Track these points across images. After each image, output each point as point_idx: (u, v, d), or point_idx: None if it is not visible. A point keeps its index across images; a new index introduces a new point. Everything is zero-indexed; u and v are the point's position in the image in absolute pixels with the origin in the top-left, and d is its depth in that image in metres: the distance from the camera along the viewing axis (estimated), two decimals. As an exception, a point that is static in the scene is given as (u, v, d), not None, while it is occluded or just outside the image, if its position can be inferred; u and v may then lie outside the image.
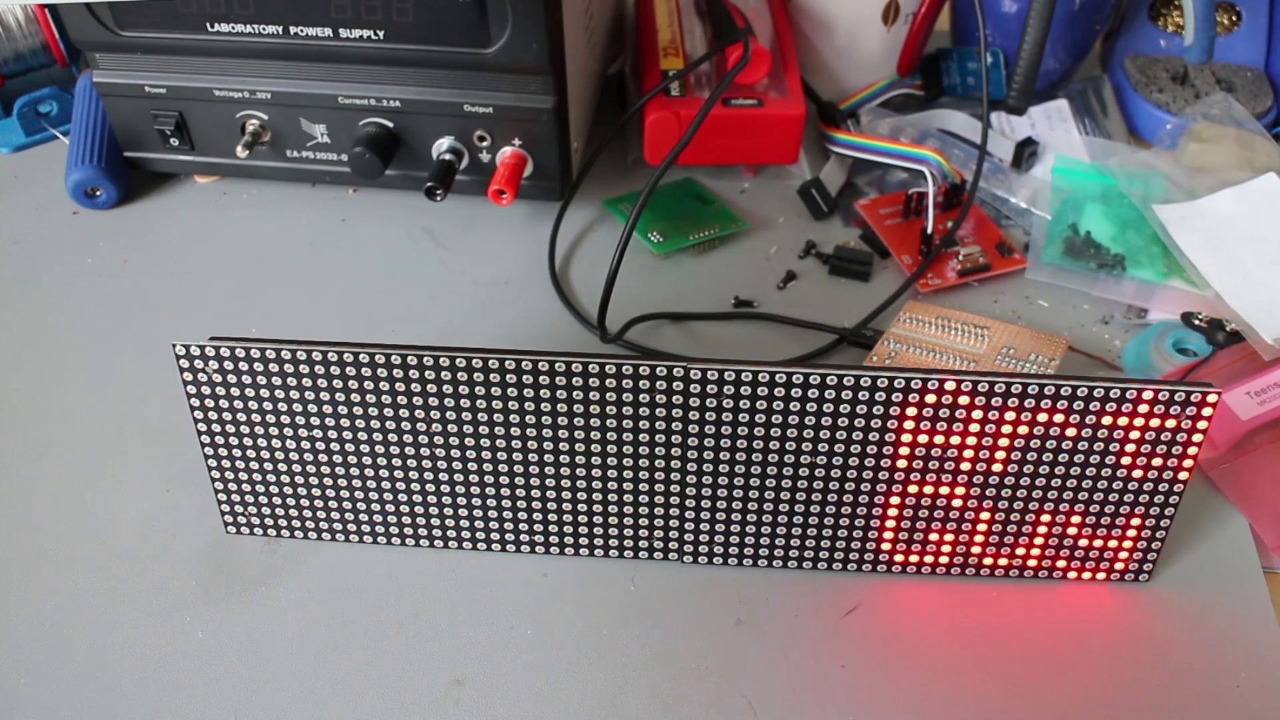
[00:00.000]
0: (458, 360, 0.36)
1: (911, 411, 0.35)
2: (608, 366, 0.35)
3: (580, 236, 0.55)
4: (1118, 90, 0.64)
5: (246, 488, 0.40)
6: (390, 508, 0.40)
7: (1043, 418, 0.35)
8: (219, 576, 0.40)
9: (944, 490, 0.37)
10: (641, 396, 0.36)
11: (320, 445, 0.38)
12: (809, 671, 0.37)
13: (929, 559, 0.39)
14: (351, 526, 0.40)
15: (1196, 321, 0.48)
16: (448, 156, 0.52)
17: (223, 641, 0.38)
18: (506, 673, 0.37)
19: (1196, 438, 0.35)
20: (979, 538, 0.39)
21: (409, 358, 0.36)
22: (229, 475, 0.39)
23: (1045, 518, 0.38)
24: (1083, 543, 0.38)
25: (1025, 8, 0.56)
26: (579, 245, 0.54)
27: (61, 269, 0.53)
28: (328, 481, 0.39)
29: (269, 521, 0.41)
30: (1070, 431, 0.36)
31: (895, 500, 0.38)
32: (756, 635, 0.38)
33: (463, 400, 0.36)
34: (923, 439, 0.36)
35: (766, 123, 0.54)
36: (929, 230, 0.52)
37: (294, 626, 0.38)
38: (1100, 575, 0.40)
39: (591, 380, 0.36)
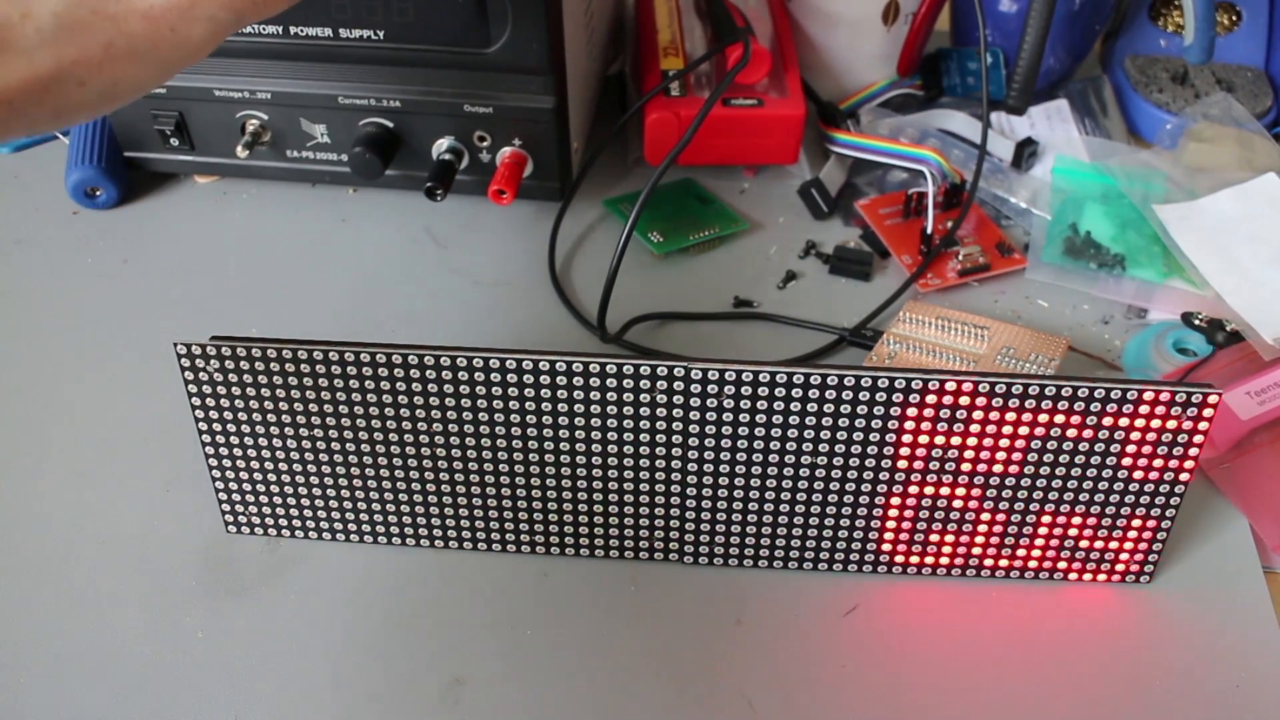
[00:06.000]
0: (458, 360, 0.36)
1: (912, 412, 0.35)
2: (608, 366, 0.35)
3: (580, 236, 0.55)
4: (1118, 90, 0.64)
5: (246, 488, 0.40)
6: (390, 508, 0.40)
7: (1043, 418, 0.35)
8: (219, 576, 0.40)
9: (944, 491, 0.37)
10: (641, 396, 0.36)
11: (320, 445, 0.38)
12: (809, 671, 0.37)
13: (929, 559, 0.39)
14: (352, 526, 0.40)
15: (1196, 321, 0.48)
16: (448, 156, 0.52)
17: (223, 641, 0.38)
18: (506, 673, 0.37)
19: (1197, 438, 0.35)
20: (979, 538, 0.39)
21: (409, 357, 0.36)
22: (229, 475, 0.39)
23: (1046, 519, 0.38)
24: (1084, 544, 0.38)
25: (1025, 8, 0.56)
26: (579, 245, 0.54)
27: (61, 269, 0.53)
28: (328, 481, 0.39)
29: (269, 521, 0.41)
30: (1071, 432, 0.36)
31: (895, 501, 0.38)
32: (756, 635, 0.38)
33: (463, 400, 0.36)
34: (923, 439, 0.36)
35: (766, 123, 0.54)
36: (929, 230, 0.52)
37: (294, 626, 0.38)
38: (1101, 576, 0.39)
39: (591, 380, 0.36)
